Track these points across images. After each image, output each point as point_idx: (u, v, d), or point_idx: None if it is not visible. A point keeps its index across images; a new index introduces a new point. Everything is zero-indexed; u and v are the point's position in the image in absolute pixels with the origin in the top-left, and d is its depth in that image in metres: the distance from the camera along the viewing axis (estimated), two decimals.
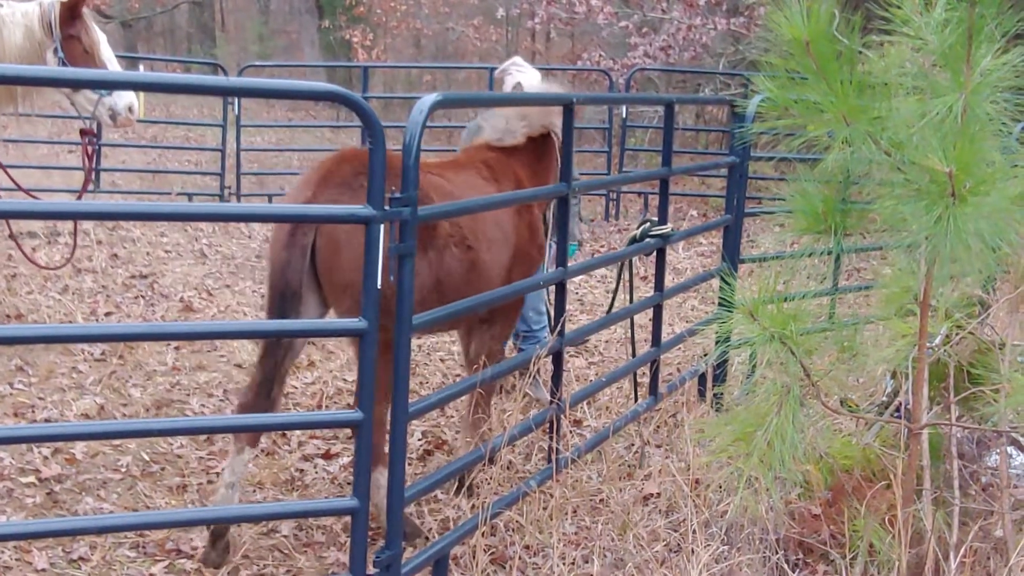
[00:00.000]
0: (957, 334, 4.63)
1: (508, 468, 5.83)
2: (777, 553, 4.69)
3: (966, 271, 3.82)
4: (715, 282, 8.02)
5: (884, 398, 5.49)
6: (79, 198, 6.38)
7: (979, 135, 3.52)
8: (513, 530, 5.21)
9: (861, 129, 3.64)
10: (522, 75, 7.12)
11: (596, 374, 7.79)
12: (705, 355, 7.49)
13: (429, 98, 4.14)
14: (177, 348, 7.91)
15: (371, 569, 4.03)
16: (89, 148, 6.71)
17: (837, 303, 7.21)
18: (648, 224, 6.34)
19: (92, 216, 6.82)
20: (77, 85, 6.14)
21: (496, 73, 7.74)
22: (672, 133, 6.52)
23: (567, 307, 5.68)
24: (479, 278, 5.40)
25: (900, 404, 5.27)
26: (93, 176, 6.61)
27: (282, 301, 4.95)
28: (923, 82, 3.82)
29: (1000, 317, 5.05)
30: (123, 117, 6.63)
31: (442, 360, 8.25)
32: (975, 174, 3.38)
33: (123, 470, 5.90)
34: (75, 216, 5.04)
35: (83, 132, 6.72)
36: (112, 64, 6.66)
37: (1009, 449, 4.84)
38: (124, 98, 6.59)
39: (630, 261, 6.54)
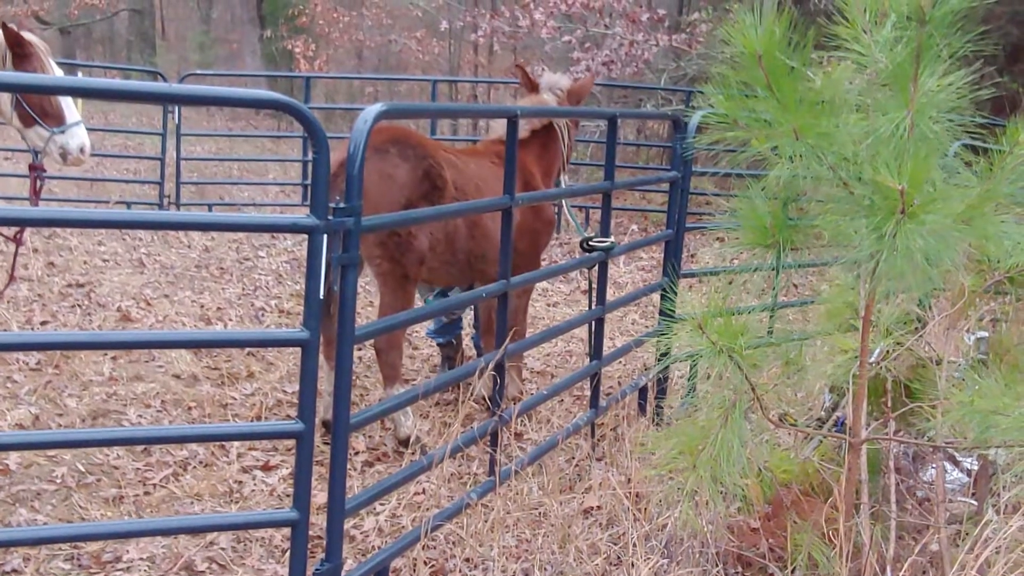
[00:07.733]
0: (895, 350, 4.68)
1: (449, 481, 5.83)
2: (717, 566, 4.72)
3: (910, 287, 3.86)
4: (655, 296, 8.07)
5: (823, 413, 5.54)
6: (19, 236, 6.15)
7: (927, 153, 3.56)
8: (454, 543, 5.20)
9: (809, 144, 3.66)
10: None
11: (538, 387, 7.78)
12: (646, 369, 7.51)
13: (374, 108, 4.13)
14: (114, 358, 7.81)
15: None
16: (38, 184, 6.46)
17: (774, 319, 7.26)
18: (593, 235, 6.44)
19: (29, 223, 6.70)
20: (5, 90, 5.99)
21: None
22: (615, 147, 6.53)
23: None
24: (482, 238, 6.59)
25: (838, 418, 5.33)
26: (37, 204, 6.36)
27: None
28: (868, 99, 3.86)
29: (937, 334, 5.12)
30: (74, 156, 6.42)
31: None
32: (923, 191, 3.42)
33: (58, 481, 5.81)
34: (11, 223, 4.90)
35: (32, 167, 6.49)
36: (67, 101, 6.42)
37: (945, 464, 4.90)
38: (77, 137, 6.29)
39: (589, 270, 6.96)
